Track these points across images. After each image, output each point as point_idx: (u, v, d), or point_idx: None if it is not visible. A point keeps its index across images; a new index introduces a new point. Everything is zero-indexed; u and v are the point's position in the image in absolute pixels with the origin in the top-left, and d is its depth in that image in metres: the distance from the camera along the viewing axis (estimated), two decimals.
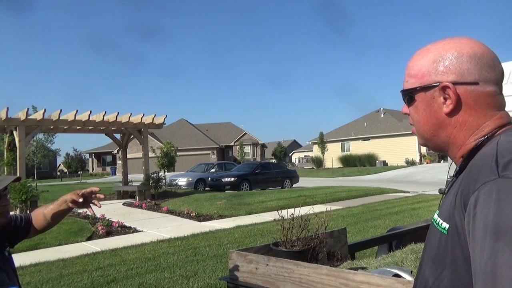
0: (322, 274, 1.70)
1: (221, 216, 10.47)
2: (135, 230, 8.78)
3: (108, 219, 9.35)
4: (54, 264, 6.08)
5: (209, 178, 19.25)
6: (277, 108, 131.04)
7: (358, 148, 42.75)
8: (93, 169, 54.42)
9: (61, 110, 12.43)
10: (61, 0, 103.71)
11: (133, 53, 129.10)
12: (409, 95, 0.87)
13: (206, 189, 18.84)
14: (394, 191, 15.82)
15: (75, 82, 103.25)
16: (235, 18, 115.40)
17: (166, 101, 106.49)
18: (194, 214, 10.62)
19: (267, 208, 11.38)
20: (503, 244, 0.60)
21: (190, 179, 19.45)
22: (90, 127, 13.96)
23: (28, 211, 10.78)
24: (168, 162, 16.29)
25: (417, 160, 38.35)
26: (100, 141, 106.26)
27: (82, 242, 7.79)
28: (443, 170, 22.60)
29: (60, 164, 58.74)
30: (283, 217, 2.26)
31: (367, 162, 40.42)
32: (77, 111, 12.72)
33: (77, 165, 57.26)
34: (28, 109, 11.88)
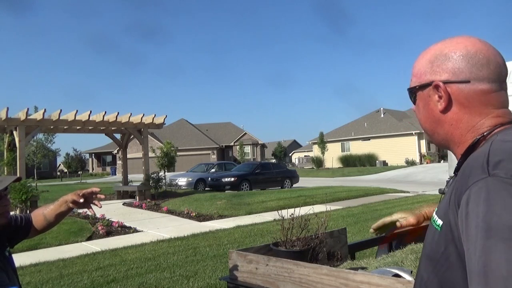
0: (322, 274, 1.70)
1: (221, 216, 10.47)
2: (135, 230, 8.78)
3: (108, 219, 9.35)
4: (54, 264, 6.08)
5: (209, 178, 19.26)
6: (277, 108, 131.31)
7: (358, 148, 42.76)
8: (93, 169, 54.43)
9: (61, 110, 12.44)
10: (61, 0, 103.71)
11: (133, 53, 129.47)
12: (411, 94, 0.92)
13: (206, 189, 18.84)
14: (394, 191, 15.83)
15: (75, 82, 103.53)
16: (235, 18, 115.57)
17: (166, 101, 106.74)
18: (194, 214, 10.63)
19: (267, 208, 11.39)
20: (494, 242, 0.61)
21: (190, 179, 19.45)
22: (90, 127, 13.96)
23: (28, 211, 10.78)
24: (168, 162, 16.30)
25: (417, 160, 38.35)
26: (100, 141, 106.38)
27: (82, 242, 7.79)
28: (443, 170, 22.59)
29: (60, 164, 58.74)
30: (283, 217, 2.26)
31: (367, 162, 40.43)
32: (77, 111, 12.74)
33: (77, 165, 57.26)
34: (28, 109, 11.89)
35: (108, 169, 50.82)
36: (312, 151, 48.57)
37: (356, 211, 10.56)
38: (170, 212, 11.31)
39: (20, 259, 6.13)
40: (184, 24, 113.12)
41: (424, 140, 37.97)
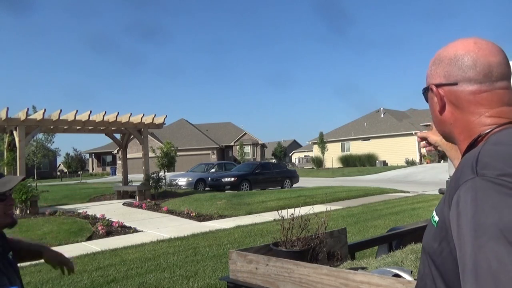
0: (322, 274, 1.70)
1: (221, 216, 10.47)
2: (135, 230, 8.78)
3: (108, 219, 9.35)
4: None
5: (209, 178, 19.25)
6: (277, 108, 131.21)
7: (358, 148, 42.75)
8: (93, 169, 54.42)
9: (61, 110, 12.45)
10: (61, 0, 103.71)
11: (133, 53, 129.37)
12: (424, 96, 0.99)
13: (206, 189, 18.84)
14: (394, 191, 15.83)
15: (75, 82, 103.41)
16: (235, 18, 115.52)
17: (166, 101, 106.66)
18: (194, 214, 10.63)
19: (267, 208, 11.39)
20: (483, 241, 0.63)
21: (190, 179, 19.45)
22: (90, 127, 13.97)
23: (28, 211, 10.79)
24: (168, 162, 16.30)
25: (417, 160, 38.36)
26: (100, 141, 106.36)
27: (82, 242, 7.79)
28: (443, 170, 22.60)
29: (60, 164, 58.74)
30: (283, 217, 2.26)
31: (367, 162, 40.42)
32: (77, 111, 12.74)
33: (77, 165, 57.25)
34: (28, 109, 11.89)
35: (108, 169, 50.80)
36: (312, 151, 48.56)
37: (356, 211, 10.56)
38: (170, 212, 11.31)
39: None
40: (184, 24, 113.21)
41: None
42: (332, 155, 43.62)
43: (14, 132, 11.92)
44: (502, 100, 0.84)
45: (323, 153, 42.04)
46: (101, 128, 14.27)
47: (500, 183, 0.67)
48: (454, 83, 0.86)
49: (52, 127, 13.76)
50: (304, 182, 22.04)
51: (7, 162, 12.42)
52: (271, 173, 19.78)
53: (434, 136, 1.30)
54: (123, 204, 13.13)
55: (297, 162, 53.55)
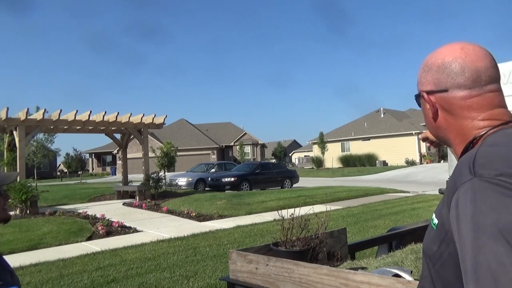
0: (322, 274, 1.70)
1: (221, 216, 10.47)
2: (135, 230, 8.77)
3: (108, 219, 9.35)
4: (54, 264, 6.07)
5: (209, 178, 19.25)
6: (277, 108, 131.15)
7: (358, 148, 42.76)
8: (93, 169, 54.43)
9: (61, 110, 12.45)
10: (61, 0, 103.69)
11: (133, 53, 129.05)
12: (416, 101, 0.99)
13: (206, 189, 18.84)
14: (394, 191, 15.83)
15: (75, 82, 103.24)
16: (235, 18, 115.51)
17: (166, 101, 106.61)
18: (194, 214, 10.62)
19: (267, 208, 11.39)
20: (482, 241, 0.64)
21: (190, 179, 19.45)
22: (90, 127, 13.97)
23: (28, 211, 10.79)
24: (168, 162, 16.30)
25: (417, 160, 38.35)
26: (100, 141, 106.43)
27: (82, 242, 7.79)
28: (443, 170, 22.61)
29: (60, 164, 58.76)
30: (283, 217, 2.26)
31: (367, 162, 40.43)
32: (77, 111, 12.74)
33: (77, 165, 57.26)
34: (28, 109, 11.90)
35: (108, 169, 50.81)
36: (312, 151, 48.57)
37: (356, 211, 10.55)
38: (170, 212, 11.31)
39: (20, 259, 6.13)
40: (184, 24, 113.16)
41: None
42: (332, 155, 43.63)
43: (14, 132, 11.93)
44: (493, 103, 0.85)
45: (323, 153, 42.05)
46: (101, 128, 14.27)
47: (498, 183, 0.68)
48: (444, 90, 0.87)
49: (52, 127, 13.76)
50: (304, 182, 22.04)
51: (7, 162, 12.42)
52: (271, 173, 19.78)
53: None
54: (123, 204, 13.13)
55: (297, 162, 53.54)
